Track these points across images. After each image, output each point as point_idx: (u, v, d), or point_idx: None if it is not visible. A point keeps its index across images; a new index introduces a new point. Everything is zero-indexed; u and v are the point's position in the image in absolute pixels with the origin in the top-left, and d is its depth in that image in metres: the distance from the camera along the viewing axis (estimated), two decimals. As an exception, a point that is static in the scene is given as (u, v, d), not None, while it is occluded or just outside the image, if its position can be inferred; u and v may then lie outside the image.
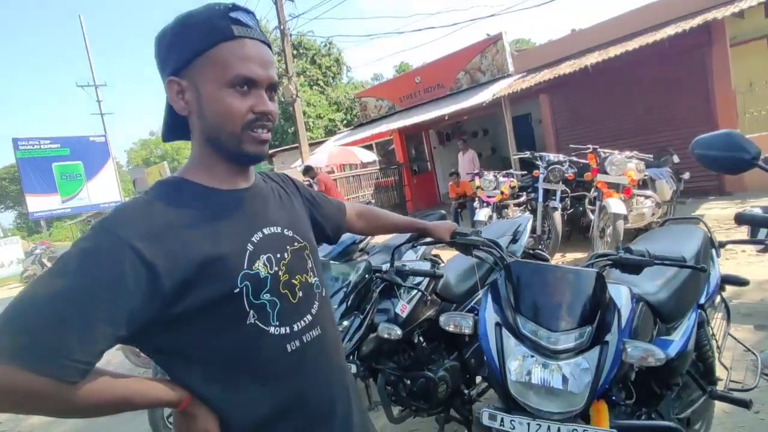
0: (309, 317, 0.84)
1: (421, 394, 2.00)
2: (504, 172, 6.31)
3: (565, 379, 1.08)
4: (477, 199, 6.31)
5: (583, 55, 7.57)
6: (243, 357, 0.77)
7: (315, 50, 27.28)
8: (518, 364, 1.11)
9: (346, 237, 3.80)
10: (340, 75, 29.32)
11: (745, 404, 1.69)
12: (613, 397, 1.32)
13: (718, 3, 6.43)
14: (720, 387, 1.88)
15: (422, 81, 12.24)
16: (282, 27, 10.65)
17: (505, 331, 1.15)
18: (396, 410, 2.16)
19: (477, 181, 6.20)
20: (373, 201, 8.73)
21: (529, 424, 1.09)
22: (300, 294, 0.83)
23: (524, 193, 6.05)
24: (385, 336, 1.75)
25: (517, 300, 1.16)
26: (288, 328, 0.80)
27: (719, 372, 1.92)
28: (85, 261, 0.67)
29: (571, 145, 5.44)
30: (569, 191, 5.50)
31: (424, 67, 12.87)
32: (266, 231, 0.82)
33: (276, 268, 0.80)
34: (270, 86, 0.80)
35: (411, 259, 2.64)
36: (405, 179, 12.24)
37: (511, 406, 1.16)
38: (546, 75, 7.48)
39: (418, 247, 3.20)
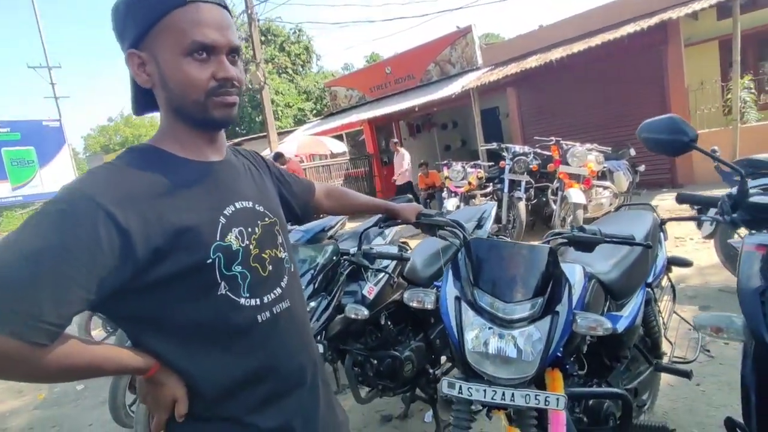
0: (278, 290, 0.86)
1: (387, 373, 2.05)
2: (472, 163, 6.44)
3: (518, 348, 1.14)
4: (445, 189, 6.43)
5: (549, 50, 7.78)
6: (214, 326, 0.77)
7: (284, 37, 26.70)
8: (475, 334, 1.17)
9: (315, 224, 3.80)
10: (309, 63, 28.86)
11: (687, 375, 1.84)
12: (567, 367, 1.40)
13: (673, 4, 6.74)
14: (665, 360, 2.02)
15: (393, 71, 12.24)
16: (249, 11, 10.37)
17: (463, 304, 1.20)
18: (363, 391, 2.20)
19: (446, 172, 6.31)
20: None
21: (485, 390, 1.15)
22: (270, 268, 0.84)
23: (491, 183, 6.21)
24: (352, 316, 1.79)
25: (475, 275, 1.22)
26: (258, 300, 0.81)
27: (665, 347, 2.06)
28: (61, 222, 0.65)
29: (535, 137, 5.61)
30: (533, 182, 5.68)
31: (394, 58, 12.86)
32: (238, 205, 0.82)
33: (247, 242, 0.81)
34: (231, 50, 0.79)
35: (379, 243, 2.68)
36: (375, 170, 12.26)
37: (469, 374, 1.22)
38: (513, 68, 7.64)
39: (387, 232, 3.24)
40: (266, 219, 0.87)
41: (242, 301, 0.79)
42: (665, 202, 6.40)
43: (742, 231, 3.37)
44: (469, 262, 1.24)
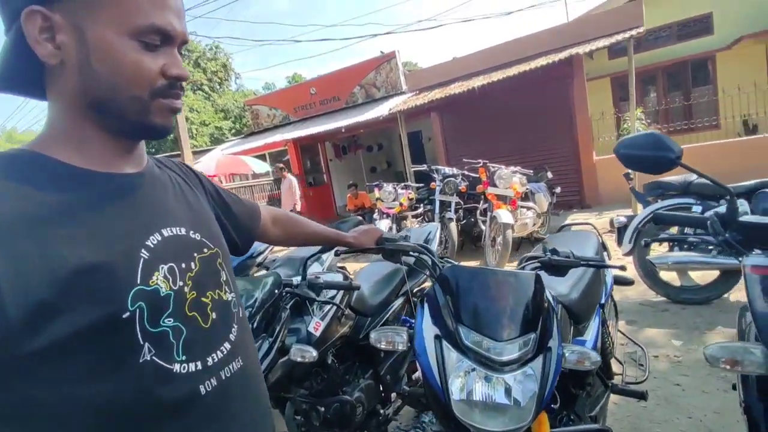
0: (227, 345, 0.65)
1: (336, 420, 1.79)
2: (402, 184, 6.43)
3: (511, 393, 0.98)
4: (377, 210, 6.32)
5: (470, 78, 8.18)
6: (133, 411, 0.54)
7: (199, 53, 25.52)
8: (462, 380, 0.99)
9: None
10: (228, 81, 27.87)
11: (643, 396, 1.82)
12: (551, 405, 1.27)
13: (577, 42, 7.46)
14: (616, 381, 2.01)
15: (318, 92, 12.09)
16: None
17: (445, 344, 1.02)
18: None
19: (377, 193, 6.22)
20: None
21: (475, 449, 0.97)
22: (213, 316, 0.63)
23: (421, 204, 6.23)
24: (299, 359, 1.52)
25: (456, 308, 1.05)
26: (200, 363, 0.60)
27: (615, 368, 2.06)
28: None
29: (464, 159, 5.75)
30: (462, 203, 5.79)
31: (319, 79, 12.75)
32: (166, 232, 0.61)
33: (180, 283, 0.59)
34: (183, 43, 0.63)
35: (318, 271, 2.43)
36: (300, 191, 11.87)
37: (452, 426, 1.03)
38: (438, 94, 7.89)
39: (324, 257, 2.99)
40: (205, 250, 0.66)
41: (176, 368, 0.57)
42: (576, 221, 6.94)
43: (658, 247, 3.57)
44: (448, 293, 1.07)
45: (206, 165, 9.51)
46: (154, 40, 0.58)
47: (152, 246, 0.58)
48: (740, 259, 0.99)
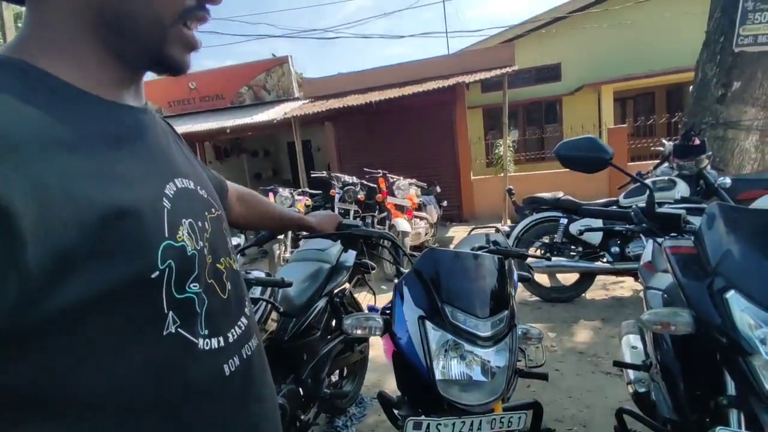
0: (244, 321, 0.57)
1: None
2: (299, 190, 6.30)
3: (489, 369, 1.05)
4: (270, 215, 6.06)
5: (365, 92, 8.45)
6: (160, 394, 0.44)
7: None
8: (445, 358, 1.03)
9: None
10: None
11: (545, 377, 2.08)
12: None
13: (459, 72, 8.27)
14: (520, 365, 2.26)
15: (198, 87, 11.20)
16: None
17: (428, 324, 1.05)
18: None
19: (272, 198, 5.96)
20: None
21: (454, 423, 1.01)
22: (229, 286, 0.55)
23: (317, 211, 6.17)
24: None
25: (438, 289, 1.08)
26: (221, 339, 0.51)
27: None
28: None
29: (364, 168, 5.88)
30: (360, 211, 5.90)
31: (200, 74, 11.82)
32: (179, 183, 0.51)
33: (201, 243, 0.50)
34: None
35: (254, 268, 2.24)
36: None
37: (430, 409, 1.06)
38: (335, 103, 7.96)
39: (245, 252, 2.78)
40: (213, 210, 0.57)
41: (200, 343, 0.48)
42: (458, 233, 7.61)
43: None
44: (430, 275, 1.10)
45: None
46: None
47: (171, 196, 0.48)
48: (660, 241, 1.22)
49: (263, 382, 0.59)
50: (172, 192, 0.48)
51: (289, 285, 1.79)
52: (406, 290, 1.11)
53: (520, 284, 4.14)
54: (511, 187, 4.57)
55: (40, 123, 0.38)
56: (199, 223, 0.51)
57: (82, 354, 0.39)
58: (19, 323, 0.35)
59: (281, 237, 5.12)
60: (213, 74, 11.31)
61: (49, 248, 0.35)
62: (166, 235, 0.44)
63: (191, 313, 0.47)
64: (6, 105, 0.37)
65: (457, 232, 7.71)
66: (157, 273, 0.43)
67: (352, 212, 5.66)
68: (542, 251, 4.07)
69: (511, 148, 8.84)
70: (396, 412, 1.14)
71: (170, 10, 0.47)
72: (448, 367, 1.01)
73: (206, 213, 0.54)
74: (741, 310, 0.83)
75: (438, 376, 1.01)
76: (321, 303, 2.26)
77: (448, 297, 1.06)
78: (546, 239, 4.07)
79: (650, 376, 1.44)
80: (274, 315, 1.88)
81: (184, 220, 0.48)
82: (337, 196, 5.62)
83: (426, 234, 5.82)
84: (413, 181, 5.69)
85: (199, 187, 0.56)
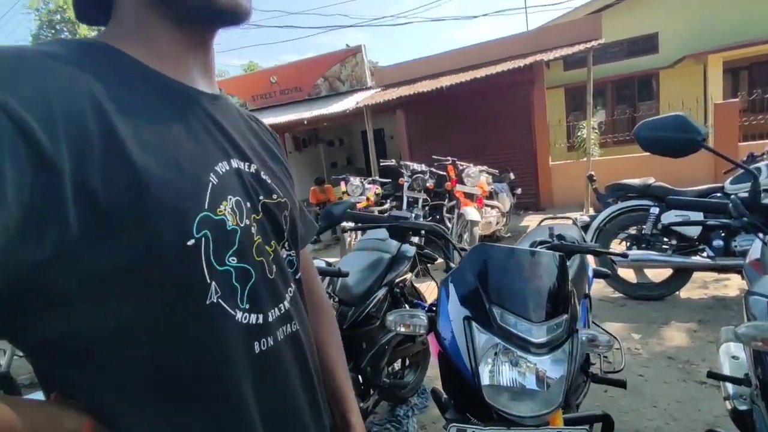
0: (286, 305, 0.57)
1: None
2: (370, 179, 6.36)
3: (542, 378, 0.95)
4: (341, 204, 6.20)
5: (436, 78, 8.26)
6: (192, 361, 0.46)
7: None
8: (494, 363, 0.95)
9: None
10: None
11: (623, 384, 1.88)
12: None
13: (538, 50, 7.74)
14: (594, 370, 2.07)
15: (278, 81, 11.74)
16: None
17: (476, 326, 0.97)
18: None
19: (343, 187, 6.11)
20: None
21: (503, 434, 0.93)
22: (275, 268, 0.56)
23: (387, 200, 6.19)
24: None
25: (486, 288, 1.00)
26: (261, 316, 0.52)
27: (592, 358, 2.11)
28: None
29: (434, 156, 5.77)
30: (429, 200, 5.81)
31: (280, 68, 12.38)
32: (235, 163, 0.53)
33: (247, 221, 0.52)
34: None
35: None
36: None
37: (477, 412, 0.99)
38: (406, 90, 7.89)
39: (319, 238, 2.88)
40: (274, 196, 0.58)
41: (238, 315, 0.49)
42: (533, 222, 7.20)
43: (617, 246, 3.70)
44: (478, 273, 1.02)
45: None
46: None
47: (221, 173, 0.50)
48: (764, 237, 1.02)
49: (295, 372, 0.58)
50: (224, 170, 0.51)
51: (345, 275, 1.80)
52: (452, 287, 1.04)
53: (601, 280, 3.82)
54: (593, 173, 4.20)
55: (98, 87, 0.42)
56: (248, 204, 0.53)
57: (116, 317, 0.41)
58: (57, 281, 0.38)
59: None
60: (291, 68, 11.79)
61: (89, 207, 0.38)
62: (206, 207, 0.46)
63: (231, 287, 0.49)
64: (65, 69, 0.41)
65: (532, 221, 7.31)
66: (193, 240, 0.44)
67: (420, 201, 5.60)
68: (628, 244, 3.70)
69: (596, 130, 8.12)
70: (443, 414, 1.09)
71: None
72: (496, 373, 0.94)
73: (261, 197, 0.56)
74: None
75: (485, 381, 0.93)
76: (380, 293, 2.25)
77: (498, 297, 0.97)
78: (633, 230, 3.68)
79: (751, 394, 1.22)
80: (332, 303, 1.92)
81: (230, 196, 0.50)
82: (405, 185, 5.59)
83: (497, 223, 5.59)
84: (484, 168, 5.47)
85: (262, 172, 0.58)
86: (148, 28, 0.50)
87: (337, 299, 1.79)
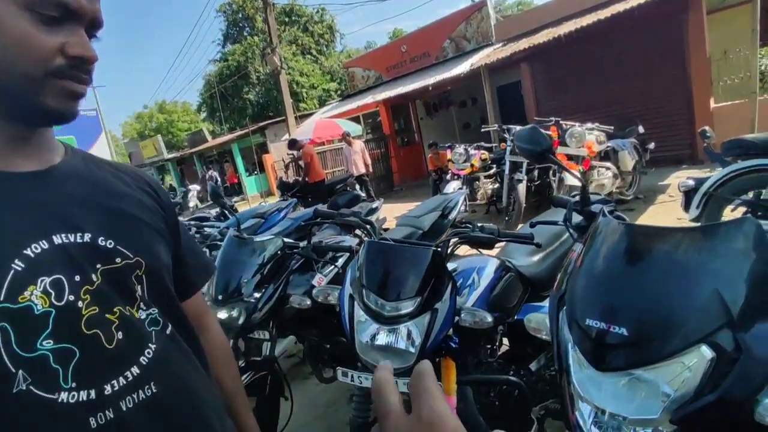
0: (135, 370, 0.57)
1: (342, 357, 2.22)
2: (475, 144, 6.40)
3: (400, 341, 1.27)
4: (449, 172, 6.43)
5: (560, 24, 7.48)
6: None
7: (307, 17, 26.64)
8: (364, 329, 1.31)
9: (304, 213, 3.95)
10: (333, 43, 28.74)
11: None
12: (468, 356, 1.52)
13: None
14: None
15: (408, 50, 12.05)
16: (263, -4, 10.45)
17: (355, 302, 1.34)
18: (328, 372, 2.38)
19: (449, 154, 6.31)
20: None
21: (370, 378, 1.30)
22: (119, 335, 0.56)
23: (496, 165, 6.15)
24: (296, 306, 1.95)
25: (363, 275, 1.35)
26: (93, 391, 0.53)
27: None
28: None
29: (534, 118, 5.51)
30: (531, 164, 5.60)
31: (410, 36, 12.65)
32: (58, 239, 0.54)
33: (71, 297, 0.53)
34: (94, 24, 0.57)
35: (331, 234, 2.82)
36: (392, 151, 12.29)
37: (361, 364, 1.37)
38: (523, 44, 7.42)
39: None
40: (117, 260, 0.59)
41: (63, 396, 0.51)
42: (679, 179, 6.17)
43: (730, 214, 3.21)
44: (361, 263, 1.37)
45: (305, 130, 10.37)
46: (51, 11, 0.51)
47: (32, 255, 0.51)
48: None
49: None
50: (39, 250, 0.51)
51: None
52: (349, 272, 1.40)
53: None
54: (706, 128, 3.58)
55: None
56: (77, 277, 0.53)
57: None
58: None
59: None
60: (418, 34, 11.95)
61: None
62: (1, 298, 0.47)
63: (48, 371, 0.49)
64: None
65: (680, 177, 6.27)
66: None
67: (524, 165, 5.46)
68: (744, 212, 3.15)
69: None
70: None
71: (36, 70, 0.51)
72: (368, 336, 1.29)
73: (98, 264, 0.56)
74: None
75: (359, 341, 1.30)
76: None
77: (368, 282, 1.31)
78: (751, 195, 3.11)
79: None
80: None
81: (43, 278, 0.51)
82: (507, 149, 5.51)
83: (613, 185, 5.11)
84: (594, 125, 5.00)
85: (101, 239, 0.57)
86: None
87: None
